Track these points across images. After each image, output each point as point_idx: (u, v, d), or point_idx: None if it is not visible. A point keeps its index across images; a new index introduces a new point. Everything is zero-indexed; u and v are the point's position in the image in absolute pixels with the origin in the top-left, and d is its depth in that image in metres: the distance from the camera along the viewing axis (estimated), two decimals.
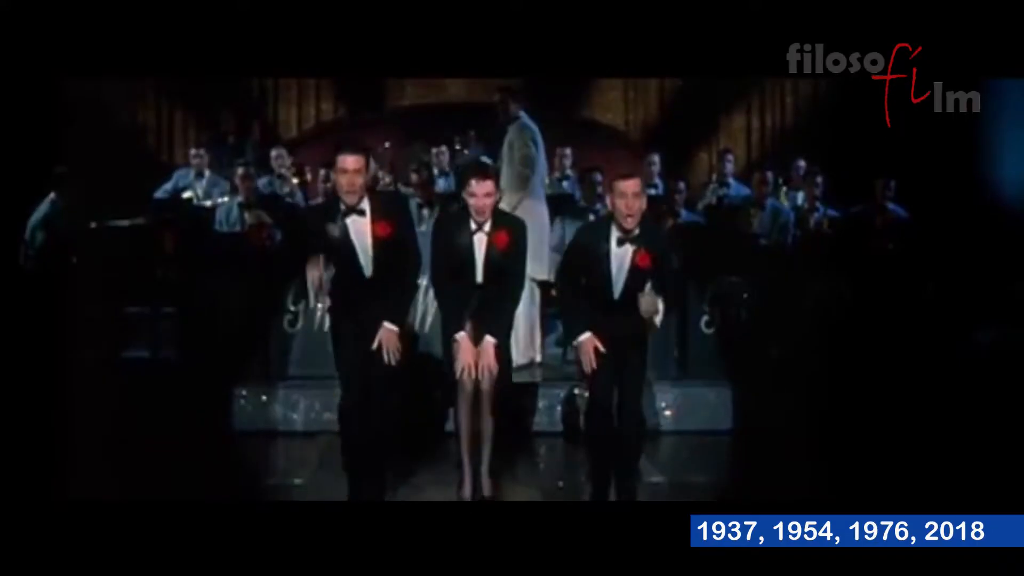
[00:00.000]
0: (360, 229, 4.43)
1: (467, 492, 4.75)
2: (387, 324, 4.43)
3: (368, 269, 4.47)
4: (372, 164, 7.76)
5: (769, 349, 6.76)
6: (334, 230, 4.41)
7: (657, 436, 6.15)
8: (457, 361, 4.61)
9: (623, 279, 4.44)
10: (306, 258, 4.49)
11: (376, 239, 4.43)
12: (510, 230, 4.67)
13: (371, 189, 4.49)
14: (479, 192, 4.57)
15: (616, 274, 4.44)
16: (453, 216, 4.81)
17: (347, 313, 4.52)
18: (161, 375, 6.61)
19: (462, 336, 4.60)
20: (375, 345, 4.41)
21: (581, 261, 4.52)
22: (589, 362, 4.43)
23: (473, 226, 4.62)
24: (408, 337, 6.37)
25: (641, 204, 4.40)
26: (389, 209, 4.52)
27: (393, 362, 4.43)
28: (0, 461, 5.03)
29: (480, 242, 4.64)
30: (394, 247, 4.47)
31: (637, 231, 4.42)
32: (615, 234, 4.43)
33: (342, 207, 4.41)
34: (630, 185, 4.38)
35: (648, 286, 4.37)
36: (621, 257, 4.43)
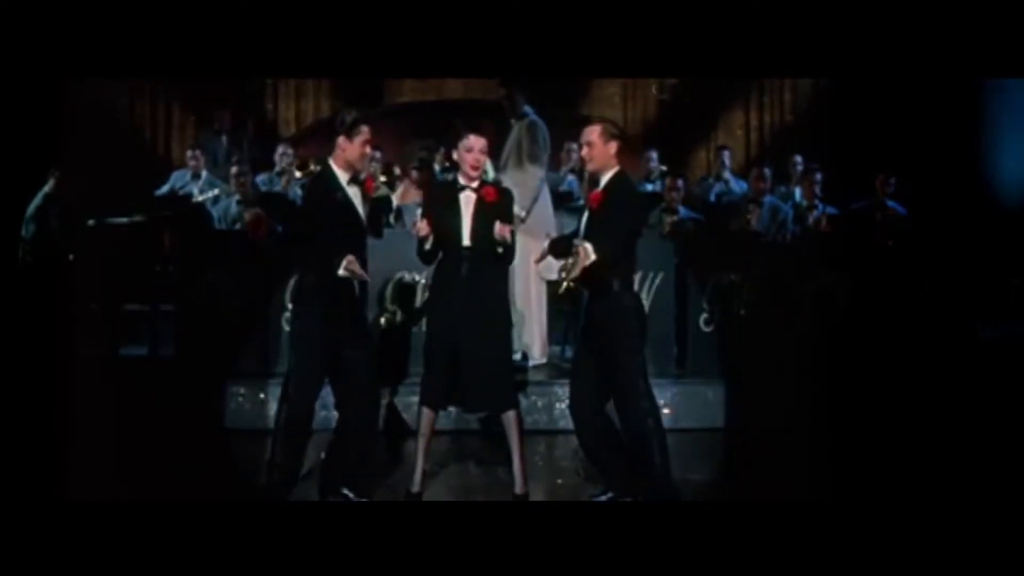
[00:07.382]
0: (357, 192, 4.52)
1: (416, 488, 4.64)
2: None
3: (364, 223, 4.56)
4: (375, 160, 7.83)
5: (768, 346, 6.75)
6: (339, 195, 4.44)
7: None
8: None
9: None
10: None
11: (366, 198, 4.56)
12: (498, 189, 4.60)
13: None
14: (476, 147, 4.46)
15: None
16: (441, 183, 4.77)
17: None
18: (159, 373, 6.61)
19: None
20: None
21: None
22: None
23: (462, 182, 4.53)
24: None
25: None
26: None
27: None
28: None
29: (468, 200, 4.50)
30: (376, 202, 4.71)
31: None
32: None
33: (344, 180, 4.46)
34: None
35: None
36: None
